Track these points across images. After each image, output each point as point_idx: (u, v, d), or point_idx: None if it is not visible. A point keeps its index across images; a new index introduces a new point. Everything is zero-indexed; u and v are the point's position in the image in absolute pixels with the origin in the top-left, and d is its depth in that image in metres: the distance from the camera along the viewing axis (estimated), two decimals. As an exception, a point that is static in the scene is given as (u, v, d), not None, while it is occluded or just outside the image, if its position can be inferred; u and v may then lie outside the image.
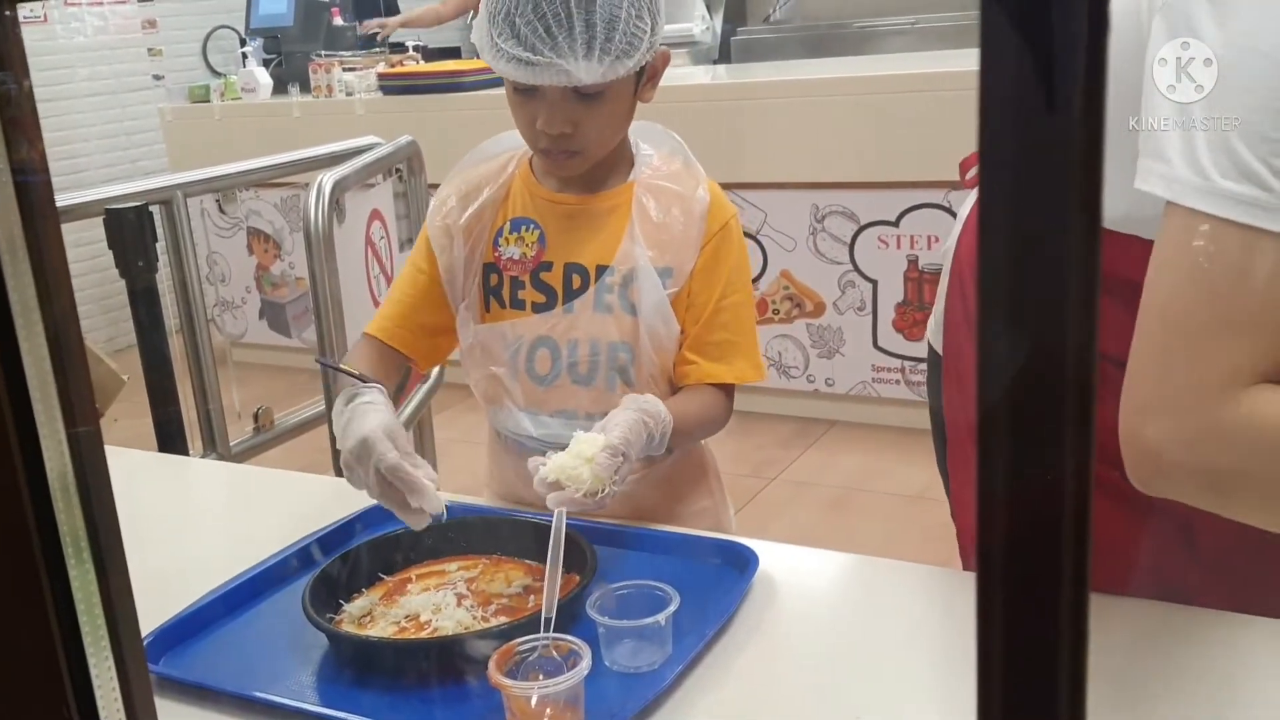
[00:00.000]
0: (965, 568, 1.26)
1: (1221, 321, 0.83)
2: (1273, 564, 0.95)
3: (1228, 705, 0.95)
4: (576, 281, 1.36)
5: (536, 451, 1.29)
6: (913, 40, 4.78)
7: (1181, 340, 0.84)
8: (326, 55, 4.66)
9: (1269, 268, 0.81)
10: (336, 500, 1.42)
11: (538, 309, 1.37)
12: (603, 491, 1.14)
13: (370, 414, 1.20)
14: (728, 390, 1.38)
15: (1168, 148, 0.84)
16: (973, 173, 1.27)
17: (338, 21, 5.10)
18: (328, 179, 2.41)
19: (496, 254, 1.39)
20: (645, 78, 1.33)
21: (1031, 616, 0.34)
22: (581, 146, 1.30)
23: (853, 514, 3.20)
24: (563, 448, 1.18)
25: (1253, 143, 0.80)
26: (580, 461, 1.15)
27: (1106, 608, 1.06)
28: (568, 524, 1.13)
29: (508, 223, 1.39)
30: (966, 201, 1.32)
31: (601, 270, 1.35)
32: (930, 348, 1.31)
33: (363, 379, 1.26)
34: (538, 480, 1.16)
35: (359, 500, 1.39)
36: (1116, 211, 0.94)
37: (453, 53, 5.52)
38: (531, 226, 1.38)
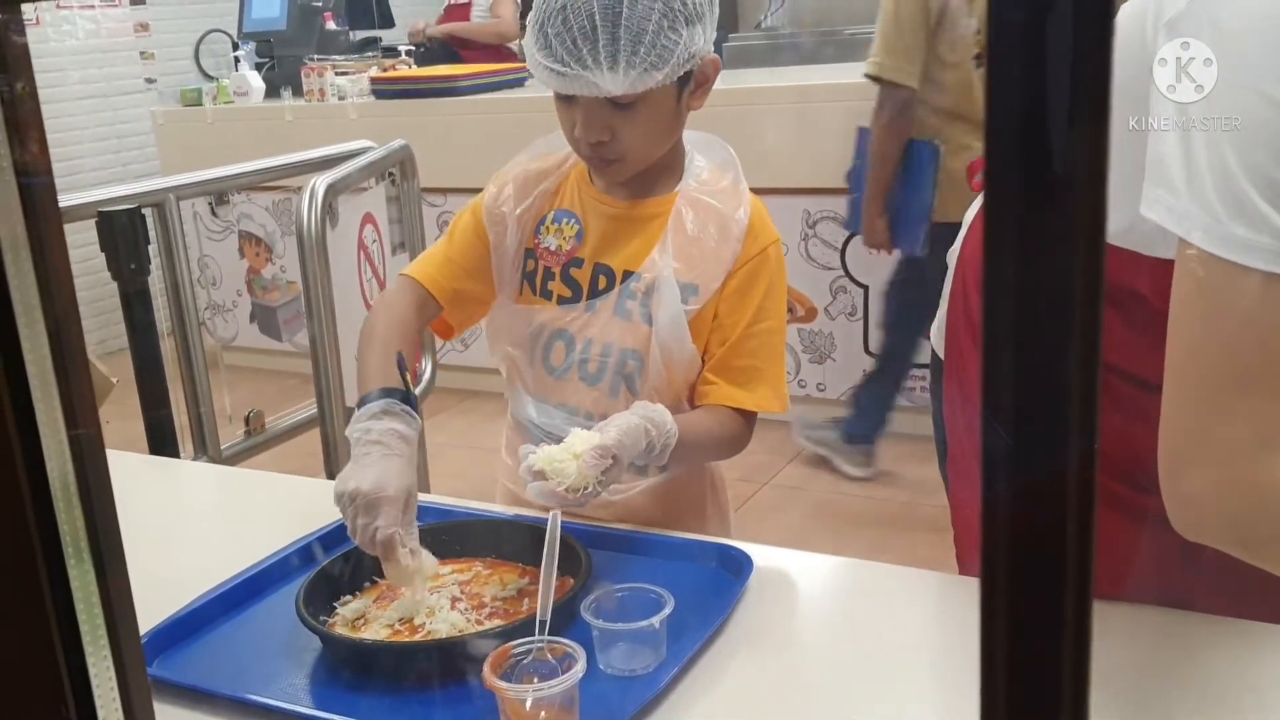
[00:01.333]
0: (963, 571, 1.27)
1: (1250, 377, 0.81)
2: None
3: (1232, 712, 0.96)
4: (603, 282, 1.37)
5: (541, 439, 1.30)
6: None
7: (1212, 393, 0.82)
8: (319, 59, 4.66)
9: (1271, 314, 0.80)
10: (328, 503, 1.42)
11: (562, 302, 1.39)
12: (585, 489, 1.14)
13: (394, 465, 1.16)
14: (747, 416, 1.36)
15: (1175, 178, 0.84)
16: (979, 177, 1.27)
17: (330, 26, 5.10)
18: (321, 182, 2.41)
19: (536, 241, 1.41)
20: (693, 85, 1.32)
21: (1035, 622, 0.34)
22: (620, 154, 1.31)
23: (843, 519, 3.20)
24: (559, 439, 1.18)
25: (1260, 187, 0.80)
26: (569, 456, 1.15)
27: (1109, 613, 1.06)
28: (562, 527, 1.13)
29: (552, 213, 1.42)
30: (972, 206, 1.33)
31: (628, 276, 1.36)
32: (933, 352, 1.32)
33: (408, 399, 1.24)
34: (524, 468, 1.16)
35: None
36: (1118, 226, 0.93)
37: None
38: (572, 221, 1.40)
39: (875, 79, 2.92)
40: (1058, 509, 0.33)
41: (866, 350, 3.63)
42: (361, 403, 1.23)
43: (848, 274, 3.61)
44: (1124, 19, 0.94)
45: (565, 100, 1.29)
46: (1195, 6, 0.84)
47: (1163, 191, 0.85)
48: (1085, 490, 0.32)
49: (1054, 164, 0.29)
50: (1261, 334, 0.81)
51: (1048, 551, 0.33)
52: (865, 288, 3.59)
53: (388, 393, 1.23)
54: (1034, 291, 0.30)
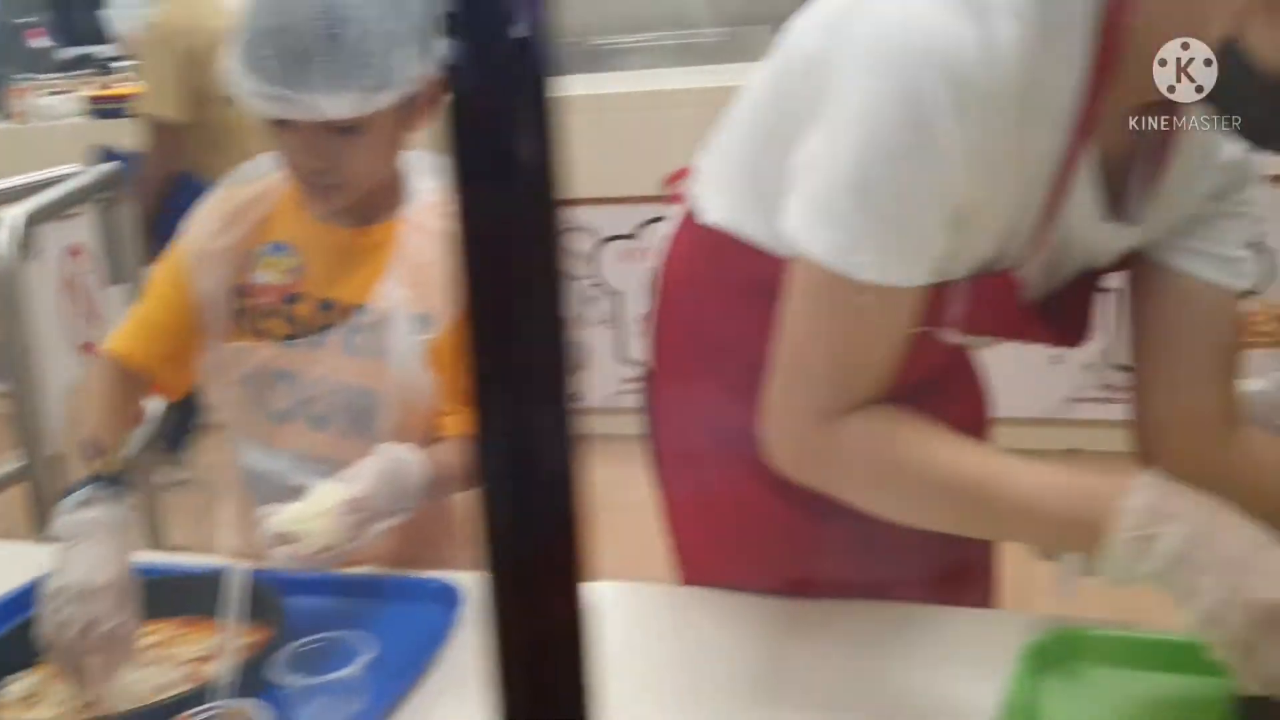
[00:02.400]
0: (685, 582, 1.26)
1: (803, 363, 0.93)
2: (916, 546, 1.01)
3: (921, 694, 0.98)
4: (328, 318, 1.28)
5: (271, 489, 1.20)
6: (657, 57, 4.86)
7: (779, 371, 0.94)
8: (24, 79, 4.32)
9: (845, 311, 0.90)
10: (12, 567, 1.29)
11: (283, 340, 1.29)
12: (338, 547, 1.07)
13: (102, 552, 1.06)
14: None
15: (799, 186, 0.92)
16: (675, 188, 1.28)
17: (41, 43, 4.75)
18: (18, 212, 2.22)
19: (248, 277, 1.30)
20: (415, 106, 1.22)
21: (528, 610, 0.36)
22: (340, 181, 1.22)
23: (602, 530, 3.20)
24: (290, 488, 1.10)
25: (856, 200, 0.88)
26: (315, 514, 1.07)
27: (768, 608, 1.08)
28: (254, 574, 1.06)
29: (266, 245, 1.30)
30: (670, 218, 1.33)
31: (355, 310, 1.27)
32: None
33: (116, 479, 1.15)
34: (265, 533, 1.07)
35: (34, 569, 1.27)
36: (775, 232, 0.97)
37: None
38: (288, 253, 1.29)
39: (140, 114, 3.11)
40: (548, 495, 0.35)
41: (622, 358, 3.66)
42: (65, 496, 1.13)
43: (601, 283, 3.63)
44: (800, 31, 0.97)
45: (280, 125, 1.20)
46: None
47: (793, 199, 0.91)
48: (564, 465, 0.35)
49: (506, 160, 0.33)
50: (820, 327, 0.92)
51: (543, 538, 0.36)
52: (619, 294, 3.63)
53: (90, 480, 1.13)
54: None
